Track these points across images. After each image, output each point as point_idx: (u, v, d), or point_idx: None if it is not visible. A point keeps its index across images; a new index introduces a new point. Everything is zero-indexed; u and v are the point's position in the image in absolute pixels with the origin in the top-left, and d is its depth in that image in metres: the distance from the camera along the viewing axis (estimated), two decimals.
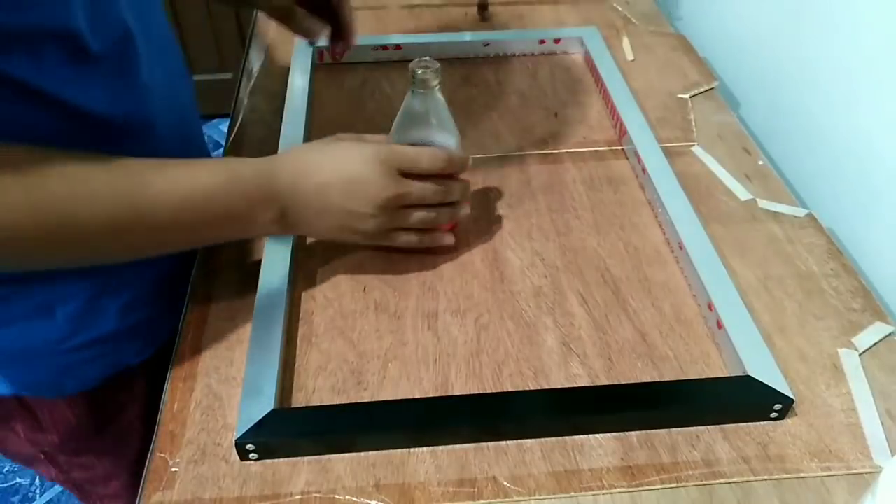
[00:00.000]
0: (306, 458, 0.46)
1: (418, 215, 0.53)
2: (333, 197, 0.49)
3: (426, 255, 0.58)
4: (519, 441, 0.47)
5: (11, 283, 0.48)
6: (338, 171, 0.49)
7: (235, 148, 0.70)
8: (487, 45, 0.83)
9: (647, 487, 0.45)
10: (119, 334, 0.55)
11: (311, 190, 0.49)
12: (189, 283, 0.57)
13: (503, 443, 0.47)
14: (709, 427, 0.48)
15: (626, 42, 0.86)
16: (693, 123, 0.74)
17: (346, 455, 0.46)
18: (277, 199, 0.48)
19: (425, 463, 0.46)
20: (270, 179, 0.48)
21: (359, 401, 0.49)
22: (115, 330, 0.55)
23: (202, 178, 0.45)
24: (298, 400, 0.49)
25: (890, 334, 0.54)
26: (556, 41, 0.84)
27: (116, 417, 0.60)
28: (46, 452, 0.59)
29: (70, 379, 0.55)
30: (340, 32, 0.68)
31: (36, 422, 0.56)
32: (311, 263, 0.59)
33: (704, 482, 0.45)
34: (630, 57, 0.84)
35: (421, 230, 0.55)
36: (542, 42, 0.84)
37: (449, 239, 0.58)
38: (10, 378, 0.53)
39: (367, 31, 0.88)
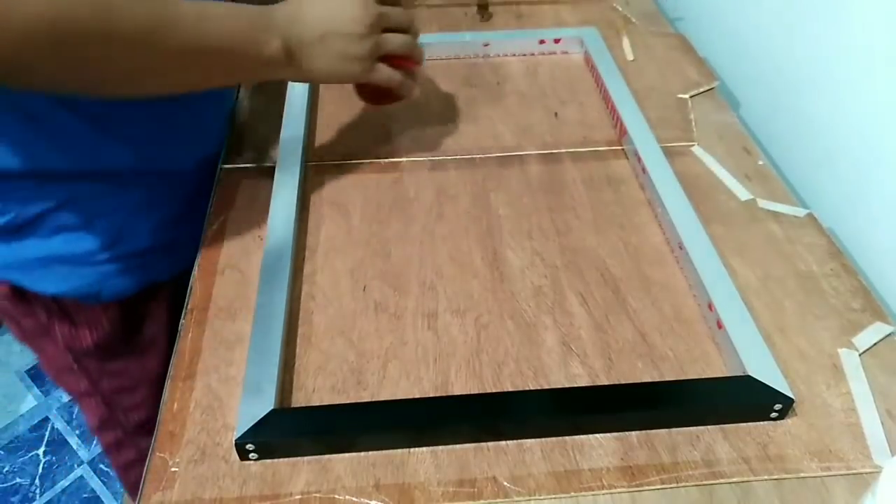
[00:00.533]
0: (306, 458, 0.46)
1: (400, 38, 0.59)
2: (328, 23, 0.55)
3: (392, 103, 0.65)
4: (519, 441, 0.47)
5: (59, 197, 0.56)
6: (326, 3, 0.55)
7: (236, 148, 0.70)
8: (487, 45, 0.83)
9: (647, 487, 0.45)
10: (151, 250, 0.63)
11: (308, 20, 0.54)
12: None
13: (503, 443, 0.47)
14: (709, 427, 0.48)
15: (626, 42, 0.86)
16: (693, 123, 0.74)
17: (346, 455, 0.46)
18: (278, 28, 0.53)
19: (425, 463, 0.46)
20: (269, 12, 0.53)
21: (359, 401, 0.49)
22: (148, 246, 0.63)
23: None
24: (298, 400, 0.49)
25: (890, 334, 0.54)
26: (556, 41, 0.84)
27: (144, 327, 0.68)
28: (80, 361, 0.66)
29: (105, 287, 0.62)
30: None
31: (73, 326, 0.63)
32: (311, 263, 0.59)
33: (704, 482, 0.45)
34: (630, 57, 0.84)
35: (399, 72, 0.61)
36: (542, 42, 0.84)
37: (416, 92, 0.64)
38: (53, 281, 0.60)
39: None
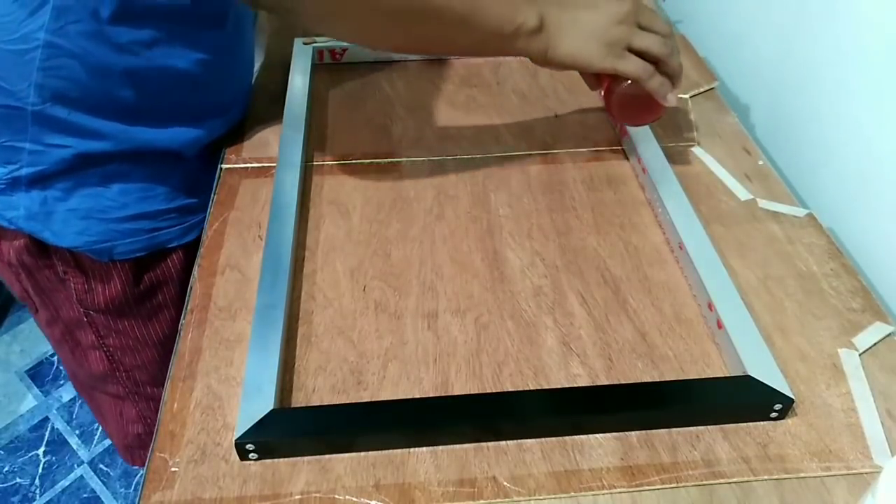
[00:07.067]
0: (306, 458, 0.46)
1: (653, 39, 0.58)
2: (586, 2, 0.57)
3: (647, 111, 0.63)
4: (519, 441, 0.47)
5: (81, 157, 0.59)
6: None
7: (236, 148, 0.70)
8: None
9: (647, 487, 0.45)
10: (163, 214, 0.66)
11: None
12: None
13: (503, 443, 0.47)
14: (709, 427, 0.48)
15: None
16: (693, 123, 0.74)
17: (346, 455, 0.46)
18: (537, 3, 0.56)
19: (425, 463, 0.46)
20: None
21: (359, 401, 0.49)
22: (161, 210, 0.65)
23: None
24: (298, 400, 0.49)
25: (890, 334, 0.54)
26: None
27: (155, 292, 0.69)
28: (90, 315, 0.68)
29: (118, 245, 0.64)
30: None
31: (87, 282, 0.65)
32: (311, 263, 0.59)
33: (704, 482, 0.45)
34: None
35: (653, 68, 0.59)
36: None
37: (672, 100, 0.60)
38: (70, 234, 0.62)
39: None
